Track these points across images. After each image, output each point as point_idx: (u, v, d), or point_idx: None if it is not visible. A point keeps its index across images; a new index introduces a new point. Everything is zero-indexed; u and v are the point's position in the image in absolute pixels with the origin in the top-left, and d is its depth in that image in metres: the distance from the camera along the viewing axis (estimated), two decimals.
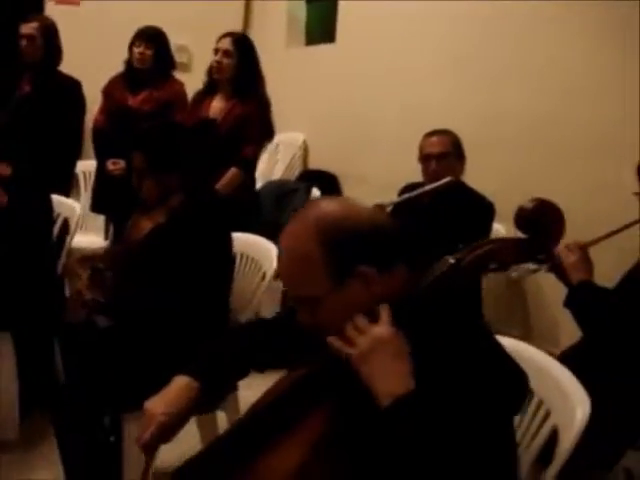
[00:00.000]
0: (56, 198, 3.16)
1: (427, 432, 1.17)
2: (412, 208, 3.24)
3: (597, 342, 2.31)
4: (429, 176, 3.10)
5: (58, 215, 3.18)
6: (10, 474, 2.49)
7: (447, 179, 3.01)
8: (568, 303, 2.31)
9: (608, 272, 2.37)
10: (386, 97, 4.35)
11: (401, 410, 1.20)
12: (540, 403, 1.64)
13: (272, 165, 5.27)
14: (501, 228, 3.30)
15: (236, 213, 3.12)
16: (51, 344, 2.67)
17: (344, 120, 4.77)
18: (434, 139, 3.12)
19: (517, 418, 1.67)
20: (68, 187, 4.02)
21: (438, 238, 2.90)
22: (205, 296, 2.19)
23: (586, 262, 2.32)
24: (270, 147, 5.30)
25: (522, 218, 1.37)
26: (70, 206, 3.26)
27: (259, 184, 4.25)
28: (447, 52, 3.90)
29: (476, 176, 3.53)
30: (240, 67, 3.55)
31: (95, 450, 2.03)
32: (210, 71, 3.63)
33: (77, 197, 4.29)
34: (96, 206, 4.05)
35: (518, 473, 1.36)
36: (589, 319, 2.27)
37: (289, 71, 5.35)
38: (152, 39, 3.84)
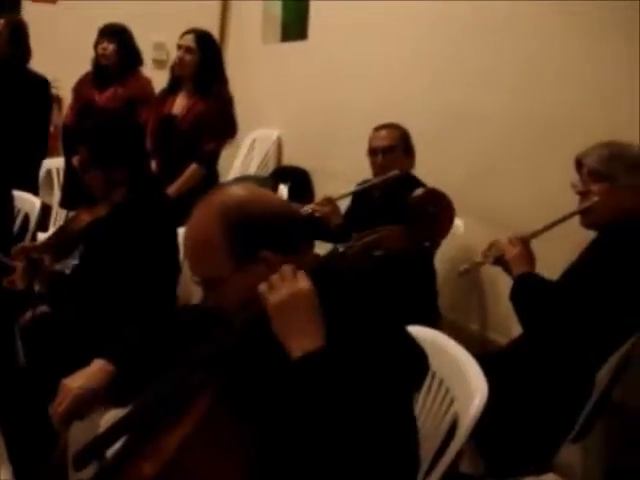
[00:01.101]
0: (17, 194, 3.20)
1: (332, 390, 1.23)
2: (363, 203, 3.29)
3: (534, 335, 2.35)
4: (376, 169, 3.16)
5: (19, 211, 3.22)
6: None
7: (393, 172, 3.06)
8: (510, 296, 2.36)
9: (559, 264, 2.41)
10: (357, 94, 4.38)
11: (311, 365, 1.25)
12: (447, 391, 1.68)
13: (248, 161, 5.32)
14: (460, 223, 3.32)
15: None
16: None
17: (317, 116, 4.80)
18: (382, 133, 3.16)
19: (424, 403, 1.73)
20: (35, 184, 4.06)
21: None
22: (141, 293, 2.21)
23: (527, 255, 2.37)
24: (246, 143, 5.38)
25: (410, 206, 1.42)
26: (30, 202, 3.30)
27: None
28: (415, 50, 3.93)
29: (439, 171, 3.57)
30: (202, 64, 3.59)
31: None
32: (173, 68, 3.66)
33: (51, 193, 4.35)
34: (65, 202, 4.10)
35: (416, 448, 1.38)
36: (526, 312, 2.32)
37: (265, 67, 5.40)
38: (114, 35, 3.88)
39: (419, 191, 1.43)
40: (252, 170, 5.17)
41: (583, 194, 2.31)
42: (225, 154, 5.54)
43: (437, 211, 1.40)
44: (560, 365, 2.23)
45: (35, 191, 3.84)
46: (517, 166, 3.26)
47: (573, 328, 2.19)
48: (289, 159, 5.17)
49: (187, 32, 3.65)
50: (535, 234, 2.42)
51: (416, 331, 1.77)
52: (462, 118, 3.56)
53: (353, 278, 1.39)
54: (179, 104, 3.65)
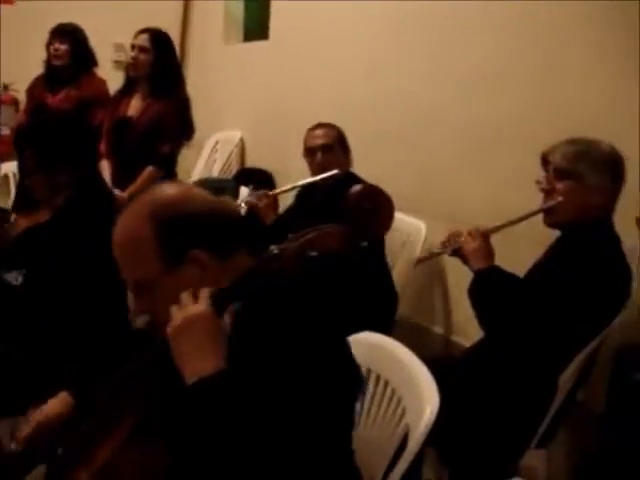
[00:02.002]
0: None
1: (233, 413, 1.16)
2: (304, 202, 3.23)
3: (491, 332, 2.29)
4: (315, 169, 3.08)
5: None
6: None
7: (334, 171, 3.00)
8: (469, 291, 2.31)
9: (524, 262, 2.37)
10: (318, 95, 4.32)
11: (203, 390, 1.19)
12: (399, 401, 1.61)
13: (211, 163, 5.23)
14: (422, 225, 3.27)
15: None
16: None
17: (278, 117, 4.73)
18: (318, 132, 3.10)
19: (376, 413, 1.65)
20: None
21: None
22: (88, 302, 2.13)
23: (487, 249, 2.31)
24: (208, 145, 5.29)
25: (347, 204, 1.35)
26: None
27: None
28: (373, 51, 3.88)
29: (400, 171, 3.52)
30: (157, 64, 3.51)
31: None
32: (127, 68, 3.57)
33: (7, 198, 4.23)
34: (18, 207, 3.97)
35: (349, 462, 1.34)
36: (484, 308, 2.26)
37: (227, 68, 5.32)
38: (66, 35, 3.79)
39: (356, 188, 1.36)
40: (215, 172, 5.08)
41: (547, 192, 2.25)
42: (187, 156, 5.51)
43: (374, 208, 1.33)
44: (521, 368, 2.19)
45: None
46: (477, 166, 3.21)
47: (534, 328, 2.14)
48: (252, 161, 5.09)
49: (141, 31, 3.56)
50: (496, 229, 2.37)
51: (369, 338, 1.72)
52: (421, 119, 3.51)
53: (283, 284, 1.32)
54: (134, 105, 3.57)
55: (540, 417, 2.18)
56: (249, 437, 1.16)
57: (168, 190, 1.35)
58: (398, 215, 3.07)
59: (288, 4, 4.60)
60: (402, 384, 1.57)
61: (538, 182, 2.28)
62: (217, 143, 5.26)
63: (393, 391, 1.60)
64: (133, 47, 3.52)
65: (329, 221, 2.85)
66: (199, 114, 5.60)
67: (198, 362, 1.21)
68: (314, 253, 1.31)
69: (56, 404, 1.58)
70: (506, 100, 3.05)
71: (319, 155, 3.02)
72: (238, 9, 5.47)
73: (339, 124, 3.18)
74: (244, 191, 4.15)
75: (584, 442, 2.37)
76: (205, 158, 5.24)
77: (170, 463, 1.23)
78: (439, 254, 2.53)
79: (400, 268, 3.27)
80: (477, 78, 3.19)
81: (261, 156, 4.97)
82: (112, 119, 3.59)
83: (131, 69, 3.54)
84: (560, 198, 2.18)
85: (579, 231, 2.20)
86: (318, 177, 3.04)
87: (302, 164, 3.17)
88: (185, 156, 5.59)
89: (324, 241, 1.30)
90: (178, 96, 3.56)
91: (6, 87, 4.52)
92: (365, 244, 1.31)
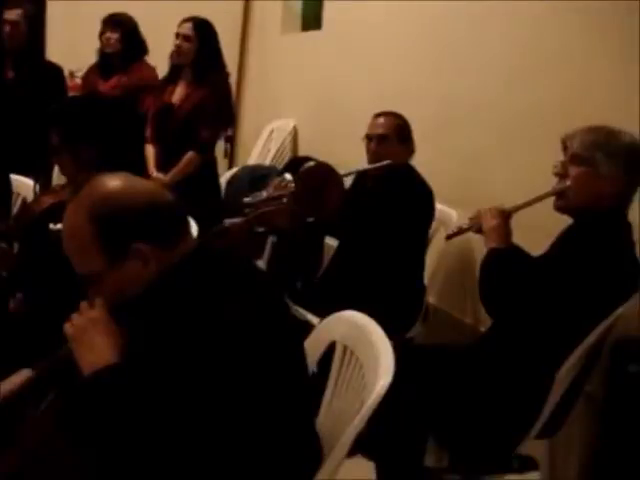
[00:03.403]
0: (17, 178, 3.25)
1: (128, 400, 1.27)
2: (357, 190, 3.26)
3: (492, 313, 2.30)
4: (369, 156, 3.12)
5: (18, 195, 3.27)
6: None
7: (385, 162, 3.02)
8: (480, 268, 2.32)
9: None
10: (366, 85, 4.35)
11: (97, 380, 1.30)
12: (363, 375, 1.65)
13: (265, 151, 5.32)
14: (454, 214, 3.28)
15: (194, 195, 3.19)
16: None
17: (330, 106, 4.78)
18: (378, 120, 3.13)
19: (347, 386, 1.69)
20: (50, 171, 4.13)
21: (375, 222, 2.92)
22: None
23: (503, 228, 2.33)
24: (264, 133, 5.39)
25: (296, 180, 1.39)
26: (29, 186, 3.33)
27: None
28: (420, 42, 3.88)
29: (437, 161, 3.52)
30: (200, 52, 3.60)
31: None
32: (171, 56, 3.68)
33: None
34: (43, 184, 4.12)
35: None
36: (489, 288, 2.27)
37: (283, 58, 5.40)
38: (117, 24, 3.93)
39: (305, 166, 1.40)
40: (269, 160, 5.16)
41: (561, 176, 2.24)
42: (246, 143, 5.63)
43: (321, 186, 1.37)
44: (520, 355, 2.19)
45: (50, 177, 3.90)
46: (513, 158, 3.18)
47: (536, 313, 2.15)
48: (305, 149, 5.15)
49: (185, 20, 3.67)
50: (515, 208, 2.39)
51: (350, 316, 1.76)
52: (464, 110, 3.50)
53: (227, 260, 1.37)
54: (178, 92, 3.68)
55: (538, 407, 2.16)
56: (141, 424, 1.26)
57: (107, 183, 1.39)
58: None
59: None
60: (368, 360, 1.61)
61: (554, 166, 2.27)
62: (272, 131, 5.36)
63: (361, 366, 1.63)
64: (177, 35, 3.62)
65: (379, 208, 2.90)
66: (258, 102, 5.76)
67: (92, 358, 1.33)
68: (261, 229, 1.36)
69: (18, 378, 1.62)
70: (546, 89, 3.02)
71: (373, 144, 3.07)
72: (296, 5, 5.53)
73: None
74: (288, 179, 4.23)
75: (589, 434, 2.32)
76: (260, 146, 5.34)
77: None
78: (466, 230, 2.53)
79: (431, 257, 3.28)
80: (516, 68, 3.18)
81: (313, 145, 5.03)
82: (156, 105, 3.71)
83: (174, 57, 3.65)
84: (568, 182, 2.17)
85: (589, 219, 2.18)
86: (368, 167, 3.09)
87: (352, 153, 3.22)
88: (241, 143, 5.77)
89: (272, 218, 1.35)
90: (219, 84, 3.65)
91: (72, 74, 4.69)
92: (311, 220, 1.35)
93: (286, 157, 5.19)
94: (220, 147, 5.02)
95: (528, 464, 2.36)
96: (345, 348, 1.74)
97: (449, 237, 2.66)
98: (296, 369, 1.42)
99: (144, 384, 1.28)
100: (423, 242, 3.15)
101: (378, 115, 3.16)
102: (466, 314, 3.39)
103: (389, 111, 3.18)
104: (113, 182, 1.39)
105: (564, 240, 2.28)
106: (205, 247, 1.41)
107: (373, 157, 3.09)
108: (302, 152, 5.19)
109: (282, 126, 5.28)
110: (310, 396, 1.53)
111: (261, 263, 3.67)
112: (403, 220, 2.95)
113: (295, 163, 4.92)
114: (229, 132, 4.48)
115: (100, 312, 1.37)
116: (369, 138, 3.10)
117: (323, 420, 1.67)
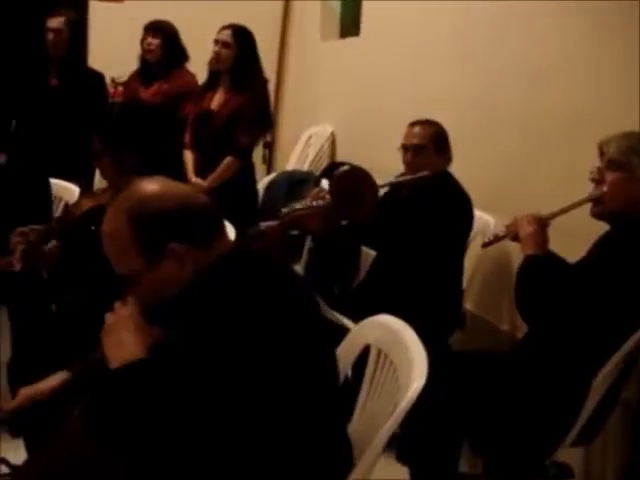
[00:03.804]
0: (57, 183, 3.32)
1: (154, 394, 1.30)
2: (393, 199, 3.25)
3: (528, 322, 2.29)
4: (405, 167, 3.09)
5: (60, 200, 3.34)
6: None
7: (423, 173, 2.97)
8: (516, 276, 2.31)
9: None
10: (403, 91, 4.36)
11: (124, 372, 1.34)
12: (397, 378, 1.66)
13: (304, 157, 5.36)
14: (491, 219, 3.27)
15: (233, 200, 3.24)
16: None
17: (368, 112, 4.80)
18: (414, 130, 3.06)
19: (381, 388, 1.71)
20: (92, 176, 4.21)
21: (413, 232, 2.91)
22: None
23: (540, 235, 2.32)
24: (302, 139, 5.43)
25: (331, 184, 1.41)
26: (70, 190, 3.41)
27: None
28: (457, 44, 3.87)
29: (472, 169, 3.52)
30: (238, 59, 3.64)
31: None
32: (210, 63, 3.73)
33: None
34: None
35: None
36: (522, 294, 2.26)
37: (323, 64, 5.43)
38: (158, 31, 3.99)
39: (340, 170, 1.41)
40: (306, 165, 5.20)
41: (597, 182, 2.24)
42: (284, 149, 5.67)
43: (357, 190, 1.39)
44: (556, 363, 2.18)
45: (91, 182, 3.98)
46: (550, 162, 3.15)
47: (571, 320, 2.13)
48: (342, 155, 5.17)
49: (225, 27, 3.72)
50: (552, 215, 2.38)
51: (383, 320, 1.78)
52: (499, 113, 3.48)
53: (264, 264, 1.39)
54: (217, 99, 3.73)
55: (574, 414, 2.15)
56: (165, 421, 1.29)
57: (143, 188, 1.44)
58: None
59: (378, 2, 4.66)
60: (402, 363, 1.62)
61: (591, 172, 2.27)
62: (311, 137, 5.39)
63: (395, 369, 1.65)
64: (216, 42, 3.67)
65: (416, 219, 2.88)
66: (296, 108, 5.80)
67: (119, 353, 1.37)
68: (295, 232, 1.38)
69: (53, 380, 1.72)
70: (575, 91, 3.00)
71: (409, 155, 3.01)
72: (335, 6, 5.56)
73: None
74: (325, 184, 4.26)
75: (625, 441, 2.31)
76: (299, 151, 5.38)
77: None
78: (502, 238, 2.52)
79: (468, 263, 3.27)
80: (543, 70, 3.16)
81: (351, 150, 5.04)
82: (196, 112, 3.76)
83: (213, 63, 3.70)
84: (605, 188, 2.16)
85: (626, 225, 2.18)
86: (404, 179, 3.03)
87: (390, 160, 3.22)
88: (280, 149, 5.81)
89: (306, 221, 1.37)
90: (258, 90, 3.69)
91: (113, 80, 4.76)
92: (345, 223, 1.37)
93: (324, 163, 5.21)
94: (259, 153, 5.07)
95: (564, 472, 2.34)
96: (379, 351, 1.76)
97: (485, 245, 2.65)
98: (327, 373, 1.44)
99: (174, 382, 1.30)
100: (461, 250, 3.11)
101: (414, 124, 3.10)
102: (503, 321, 3.37)
103: (425, 119, 3.12)
104: (150, 185, 1.45)
105: (601, 246, 2.27)
106: (241, 249, 1.45)
107: (410, 168, 3.03)
108: (340, 158, 5.21)
109: (320, 132, 5.31)
110: (341, 400, 1.54)
111: (299, 268, 3.71)
112: (440, 230, 2.91)
113: (333, 168, 4.96)
114: (268, 138, 4.50)
115: (131, 310, 1.42)
116: (405, 148, 3.04)
117: (357, 423, 1.69)
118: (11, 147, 3.07)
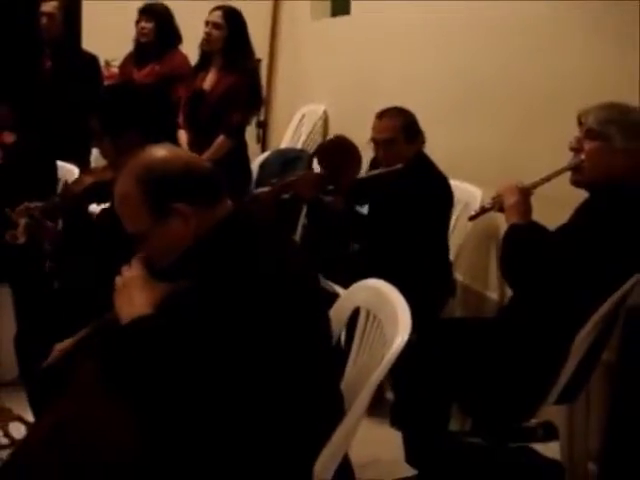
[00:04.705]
0: (60, 164, 3.40)
1: (163, 345, 1.41)
2: (371, 188, 3.30)
3: (514, 287, 2.38)
4: (379, 160, 3.10)
5: (60, 179, 3.42)
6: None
7: (396, 167, 2.99)
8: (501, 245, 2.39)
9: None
10: (393, 70, 4.42)
11: (134, 327, 1.46)
12: (384, 334, 1.76)
13: (297, 136, 5.42)
14: (479, 192, 3.35)
15: (226, 178, 3.30)
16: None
17: (359, 91, 4.85)
18: (381, 124, 3.05)
19: (370, 344, 1.81)
20: (88, 155, 4.28)
21: (395, 220, 2.99)
22: None
23: (523, 205, 2.38)
24: (296, 118, 5.50)
25: (318, 153, 1.50)
26: (71, 171, 3.49)
27: None
28: (449, 22, 3.93)
29: (458, 142, 3.60)
30: (229, 39, 3.71)
31: None
32: (202, 44, 3.80)
33: None
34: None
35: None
36: (510, 263, 2.34)
37: (313, 43, 5.49)
38: (152, 13, 4.05)
39: (327, 139, 1.51)
40: (300, 144, 5.26)
41: (576, 151, 2.31)
42: (278, 128, 5.73)
43: (342, 157, 1.47)
44: (538, 325, 2.26)
45: (87, 163, 4.04)
46: (535, 133, 3.23)
47: (553, 285, 2.21)
48: (335, 133, 5.22)
49: (215, 8, 3.79)
50: (533, 185, 2.44)
51: (372, 283, 1.88)
52: (488, 88, 3.55)
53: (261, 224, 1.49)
54: (209, 79, 3.81)
55: (555, 374, 2.24)
56: (174, 367, 1.40)
57: (153, 151, 1.58)
58: (454, 182, 3.22)
59: None
60: (387, 320, 1.74)
61: (570, 142, 2.34)
62: (304, 116, 5.45)
63: (382, 327, 1.75)
64: (207, 23, 3.74)
65: (399, 204, 2.94)
66: (289, 88, 5.85)
67: (130, 310, 1.49)
68: (286, 195, 1.48)
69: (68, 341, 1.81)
70: (559, 65, 3.07)
71: (381, 149, 3.02)
72: None
73: (413, 99, 3.22)
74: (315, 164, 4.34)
75: (607, 399, 2.40)
76: (292, 130, 5.44)
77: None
78: (488, 209, 2.57)
79: (456, 234, 3.36)
80: (528, 45, 3.23)
81: (343, 129, 5.07)
82: (188, 92, 3.83)
83: (205, 44, 3.77)
84: (583, 156, 2.24)
85: (604, 192, 2.25)
86: (379, 171, 3.04)
87: None
88: (274, 129, 5.87)
89: (295, 186, 1.47)
90: (248, 69, 3.76)
91: (108, 63, 4.83)
92: (332, 188, 1.46)
93: (317, 141, 5.26)
94: (253, 132, 5.13)
95: (552, 433, 2.45)
96: (368, 312, 1.87)
97: (472, 218, 2.70)
98: (321, 327, 1.55)
99: (182, 333, 1.42)
100: (445, 226, 3.16)
101: (381, 116, 3.08)
102: (491, 289, 3.47)
103: (391, 108, 3.10)
104: (158, 151, 1.58)
105: (580, 213, 2.35)
106: (241, 210, 1.56)
107: (383, 162, 3.05)
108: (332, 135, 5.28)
109: (313, 111, 5.37)
110: (333, 355, 1.64)
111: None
112: (422, 213, 2.97)
113: None
114: (261, 117, 4.56)
115: (137, 269, 1.54)
116: (375, 142, 3.04)
117: (348, 376, 1.81)
118: (20, 127, 3.13)
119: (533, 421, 2.77)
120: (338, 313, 1.93)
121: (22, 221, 2.38)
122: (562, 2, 3.04)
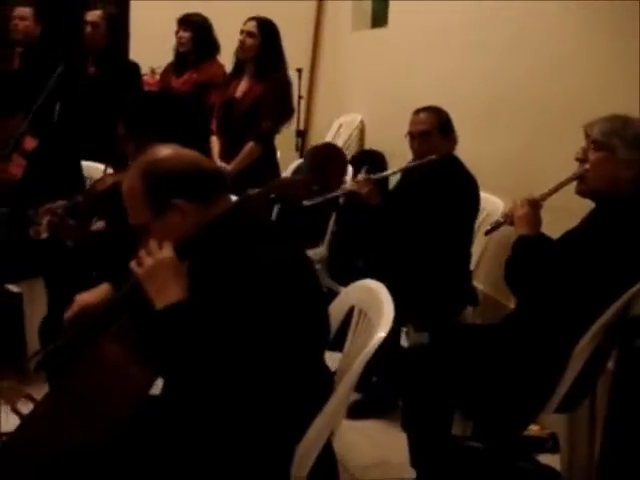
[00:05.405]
0: (87, 164, 3.53)
1: (196, 331, 1.52)
2: (406, 184, 3.38)
3: (518, 297, 2.41)
4: (414, 153, 3.22)
5: (90, 179, 3.55)
6: None
7: (430, 157, 3.10)
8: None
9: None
10: (428, 79, 4.47)
11: (170, 312, 1.55)
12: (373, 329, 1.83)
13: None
14: (500, 202, 3.37)
15: (255, 183, 3.40)
16: None
17: (395, 100, 4.91)
18: (419, 117, 3.18)
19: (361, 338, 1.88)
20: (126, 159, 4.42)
21: (424, 213, 3.05)
22: None
23: (532, 217, 2.43)
24: (334, 127, 5.58)
25: (307, 158, 1.59)
26: (100, 170, 3.60)
27: None
28: (477, 37, 3.99)
29: (482, 151, 3.63)
30: (262, 48, 3.82)
31: None
32: (236, 52, 3.92)
33: None
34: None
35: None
36: (513, 272, 2.38)
37: (353, 54, 5.58)
38: (189, 24, 4.19)
39: (313, 146, 1.59)
40: None
41: (581, 161, 2.35)
42: (315, 137, 5.82)
43: (327, 161, 1.55)
44: (539, 334, 2.30)
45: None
46: (556, 148, 3.25)
47: (555, 295, 2.24)
48: (371, 143, 5.30)
49: (250, 19, 3.90)
50: (542, 197, 2.48)
51: (366, 283, 1.95)
52: (513, 101, 3.60)
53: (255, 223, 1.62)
54: (241, 87, 3.91)
55: (556, 382, 2.26)
56: (206, 350, 1.50)
57: (158, 150, 1.69)
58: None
59: None
60: (376, 318, 1.82)
61: (577, 152, 2.38)
62: (341, 126, 5.54)
63: (371, 324, 1.84)
64: (242, 32, 3.85)
65: (427, 200, 3.02)
66: (329, 98, 5.95)
67: (164, 295, 1.57)
68: (274, 196, 1.57)
69: (100, 291, 1.95)
70: (589, 80, 3.11)
71: (416, 141, 3.15)
72: None
73: (447, 110, 3.31)
74: (348, 171, 4.40)
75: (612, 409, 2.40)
76: (330, 139, 5.51)
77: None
78: (502, 224, 2.61)
79: (477, 244, 3.39)
80: (551, 62, 3.30)
81: (379, 138, 5.18)
82: (221, 99, 3.95)
83: (239, 52, 3.88)
84: (587, 166, 2.28)
85: (609, 202, 2.28)
86: (413, 163, 3.18)
87: None
88: (314, 137, 5.97)
89: (284, 187, 1.56)
90: (280, 78, 3.85)
91: (153, 71, 4.97)
92: (317, 188, 1.55)
93: (353, 150, 5.35)
94: (292, 140, 5.20)
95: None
96: (360, 310, 1.97)
97: (488, 232, 2.74)
98: (317, 318, 1.66)
99: (198, 317, 1.53)
100: (469, 232, 3.23)
101: (418, 111, 3.22)
102: (512, 299, 3.47)
103: (429, 106, 3.24)
104: (163, 150, 1.69)
105: (585, 222, 2.38)
106: (237, 208, 1.66)
107: (417, 154, 3.17)
108: (368, 145, 5.36)
109: (350, 120, 5.45)
110: (326, 344, 1.75)
111: (323, 249, 3.88)
112: (450, 210, 3.04)
113: (361, 156, 5.10)
114: (301, 126, 4.64)
115: (169, 253, 1.61)
116: (412, 136, 3.17)
117: (341, 364, 1.93)
118: (44, 132, 3.26)
119: (545, 431, 2.80)
120: (335, 311, 2.01)
121: (45, 219, 2.51)
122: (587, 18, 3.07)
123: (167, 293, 1.57)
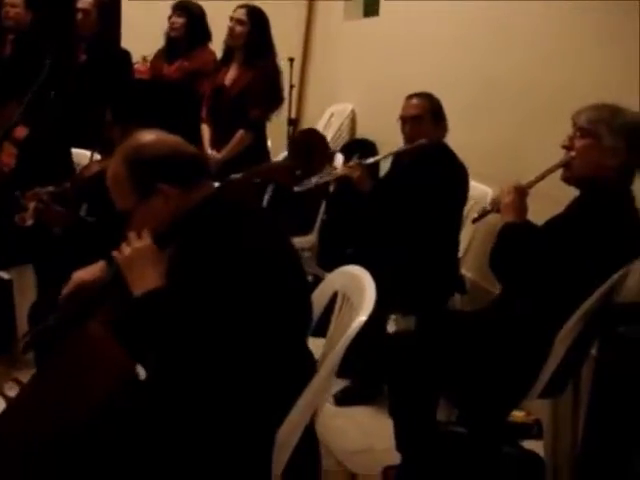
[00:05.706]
0: (76, 151, 3.53)
1: (175, 316, 1.54)
2: (396, 169, 3.40)
3: (503, 283, 2.42)
4: (405, 137, 3.24)
5: (78, 166, 3.55)
6: None
7: (420, 141, 3.13)
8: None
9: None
10: (419, 69, 4.47)
11: (146, 299, 1.58)
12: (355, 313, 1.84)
13: (325, 134, 5.48)
14: (489, 191, 3.39)
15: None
16: None
17: (386, 90, 4.91)
18: (411, 102, 3.22)
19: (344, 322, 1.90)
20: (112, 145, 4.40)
21: (414, 200, 3.06)
22: None
23: (517, 204, 2.43)
24: (325, 116, 5.58)
25: (290, 144, 1.60)
26: (87, 157, 3.59)
27: None
28: (468, 27, 3.99)
29: (470, 140, 3.64)
30: (251, 35, 3.81)
31: None
32: (225, 40, 3.91)
33: None
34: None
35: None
36: (499, 259, 2.39)
37: (344, 43, 5.57)
38: (184, 9, 4.16)
39: (297, 132, 1.60)
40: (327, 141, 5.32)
41: (567, 149, 2.36)
42: (307, 126, 5.81)
43: (309, 147, 1.56)
44: (523, 320, 2.31)
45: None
46: (543, 137, 3.26)
47: (539, 282, 2.25)
48: (362, 132, 5.31)
49: (240, 6, 3.89)
50: (528, 184, 2.48)
51: (350, 269, 1.96)
52: (504, 90, 3.61)
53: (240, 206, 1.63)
54: (230, 74, 3.91)
55: (539, 368, 2.28)
56: (185, 336, 1.53)
57: (142, 135, 1.71)
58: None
59: None
60: (358, 302, 1.84)
61: (563, 140, 2.39)
62: (332, 115, 5.54)
63: (354, 308, 1.86)
64: (231, 19, 3.85)
65: (416, 185, 3.05)
66: (320, 87, 5.95)
67: (141, 282, 1.61)
68: (257, 180, 1.58)
69: (96, 268, 1.98)
70: (579, 70, 3.12)
71: (408, 125, 3.17)
72: None
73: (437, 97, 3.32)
74: (339, 158, 4.41)
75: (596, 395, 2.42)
76: (321, 128, 5.50)
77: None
78: (489, 212, 2.62)
79: (465, 232, 3.40)
80: (539, 52, 3.32)
81: (370, 127, 5.18)
82: (211, 87, 3.95)
83: (228, 39, 3.88)
84: (573, 153, 2.29)
85: (593, 190, 2.29)
86: (404, 147, 3.21)
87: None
88: (305, 126, 5.95)
89: (268, 172, 1.57)
90: (268, 66, 3.84)
91: (144, 58, 4.94)
92: (299, 172, 1.56)
93: (344, 139, 5.36)
94: (284, 129, 5.19)
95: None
96: (344, 296, 1.98)
97: (475, 220, 2.75)
98: (300, 301, 1.69)
99: (178, 301, 1.56)
100: (458, 219, 3.24)
101: (410, 97, 3.25)
102: (497, 287, 3.49)
103: (421, 92, 3.26)
104: (146, 135, 1.71)
105: (569, 209, 2.39)
106: (220, 193, 1.67)
107: (408, 138, 3.19)
108: (359, 134, 5.36)
109: (341, 109, 5.45)
110: (309, 327, 1.79)
111: (312, 237, 3.90)
112: (439, 198, 3.06)
113: (352, 145, 5.11)
114: (292, 115, 4.62)
115: (147, 242, 1.65)
116: (403, 120, 3.20)
117: (324, 348, 1.95)
118: (36, 121, 3.25)
119: (530, 418, 2.82)
120: (319, 296, 2.02)
121: (31, 205, 2.52)
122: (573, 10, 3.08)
123: (144, 280, 1.60)
